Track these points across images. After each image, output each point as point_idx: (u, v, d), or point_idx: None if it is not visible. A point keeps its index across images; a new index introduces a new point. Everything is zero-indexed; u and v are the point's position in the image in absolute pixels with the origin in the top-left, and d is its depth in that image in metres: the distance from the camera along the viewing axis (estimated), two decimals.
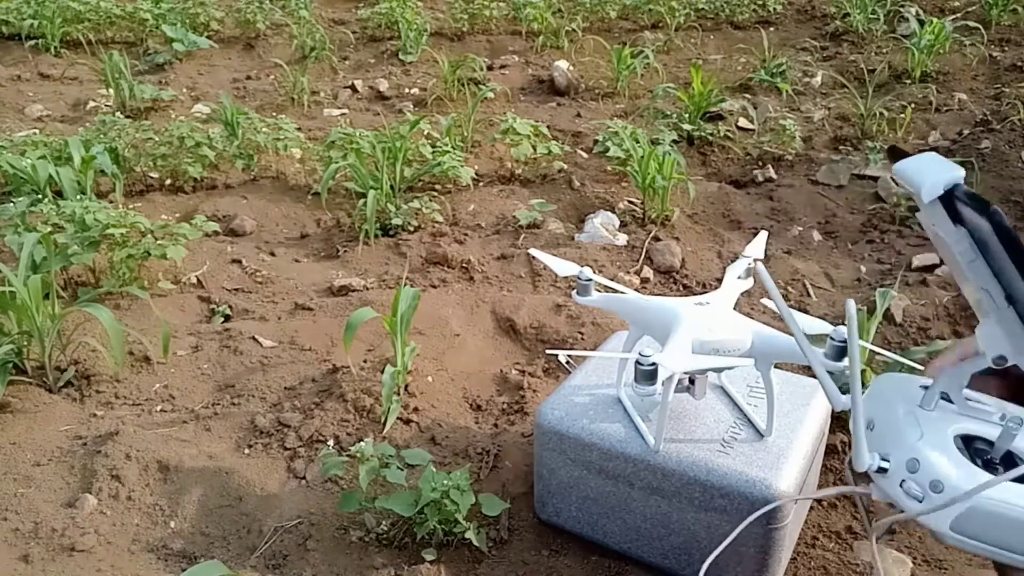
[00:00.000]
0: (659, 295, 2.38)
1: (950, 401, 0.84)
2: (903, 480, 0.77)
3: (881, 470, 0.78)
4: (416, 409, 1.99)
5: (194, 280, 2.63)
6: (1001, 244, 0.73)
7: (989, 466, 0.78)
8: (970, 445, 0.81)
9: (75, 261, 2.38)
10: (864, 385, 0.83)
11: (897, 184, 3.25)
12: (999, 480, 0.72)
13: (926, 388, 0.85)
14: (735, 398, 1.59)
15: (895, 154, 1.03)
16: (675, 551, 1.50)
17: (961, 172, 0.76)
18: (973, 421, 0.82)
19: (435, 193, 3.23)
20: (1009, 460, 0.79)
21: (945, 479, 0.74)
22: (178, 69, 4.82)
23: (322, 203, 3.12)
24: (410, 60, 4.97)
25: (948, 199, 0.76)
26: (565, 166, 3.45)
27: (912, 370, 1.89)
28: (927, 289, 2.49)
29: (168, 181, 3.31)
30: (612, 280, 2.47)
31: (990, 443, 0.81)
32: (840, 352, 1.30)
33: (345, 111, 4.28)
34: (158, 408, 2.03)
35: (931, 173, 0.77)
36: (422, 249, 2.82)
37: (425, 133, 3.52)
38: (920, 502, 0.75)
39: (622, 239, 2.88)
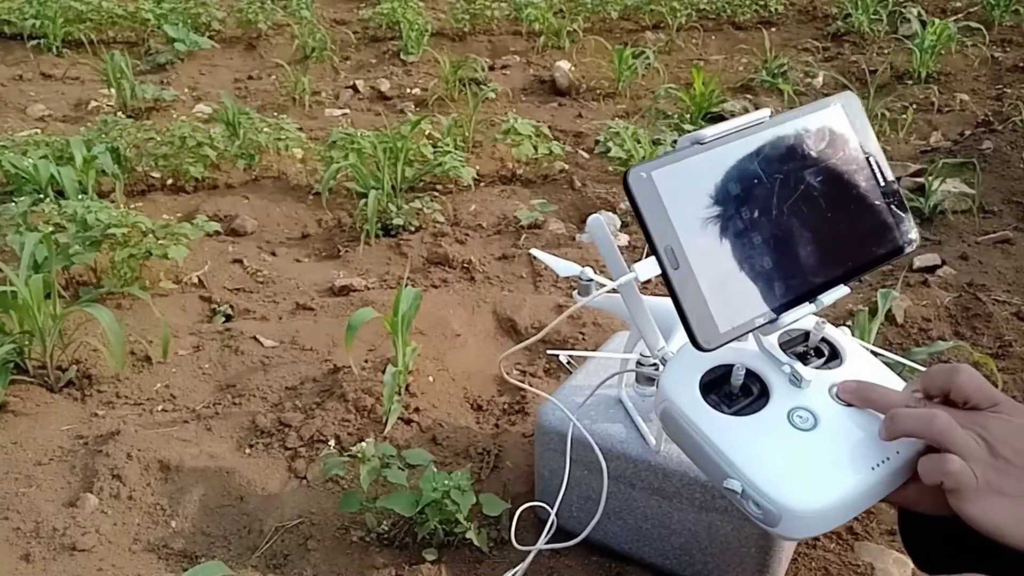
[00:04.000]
0: (660, 295, 2.38)
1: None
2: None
3: (663, 361, 0.91)
4: (417, 409, 1.99)
5: (195, 280, 2.63)
6: None
7: (731, 396, 0.80)
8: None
9: (76, 261, 2.38)
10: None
11: None
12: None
13: None
14: None
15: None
16: (676, 552, 1.50)
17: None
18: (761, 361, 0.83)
19: (436, 193, 3.23)
20: (763, 388, 0.80)
21: (663, 382, 0.81)
22: (180, 69, 4.82)
23: (323, 203, 3.13)
24: (411, 60, 4.97)
25: None
26: (566, 166, 3.45)
27: (913, 372, 1.89)
28: (928, 290, 2.49)
29: (169, 181, 3.32)
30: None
31: (755, 376, 0.82)
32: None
33: (346, 111, 4.28)
34: (159, 408, 2.04)
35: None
36: (423, 249, 2.82)
37: (426, 133, 3.52)
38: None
39: (623, 239, 2.88)
